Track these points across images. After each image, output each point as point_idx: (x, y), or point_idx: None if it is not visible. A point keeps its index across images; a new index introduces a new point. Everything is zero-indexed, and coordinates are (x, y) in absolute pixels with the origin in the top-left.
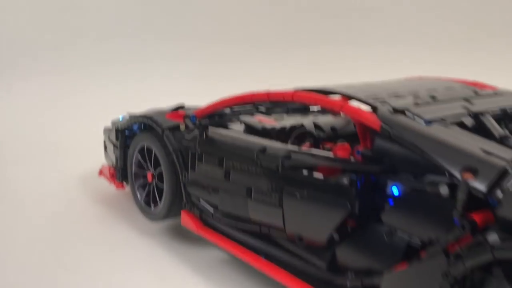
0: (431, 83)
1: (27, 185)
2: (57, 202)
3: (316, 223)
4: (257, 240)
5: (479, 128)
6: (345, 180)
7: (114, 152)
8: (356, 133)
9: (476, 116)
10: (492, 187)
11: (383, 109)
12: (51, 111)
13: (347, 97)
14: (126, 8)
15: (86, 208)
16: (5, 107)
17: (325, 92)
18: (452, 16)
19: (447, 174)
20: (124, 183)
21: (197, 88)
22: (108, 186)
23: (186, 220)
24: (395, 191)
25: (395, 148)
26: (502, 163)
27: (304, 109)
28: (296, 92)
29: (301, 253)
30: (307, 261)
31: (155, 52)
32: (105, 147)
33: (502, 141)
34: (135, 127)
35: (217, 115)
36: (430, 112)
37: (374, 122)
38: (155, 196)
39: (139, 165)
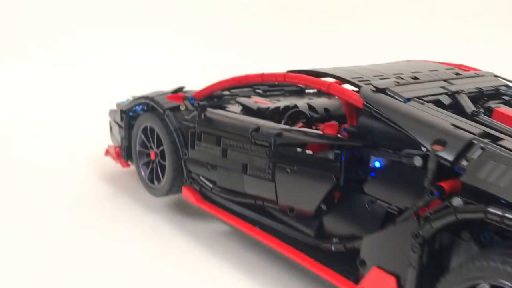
0: (417, 65)
1: (38, 165)
2: (67, 180)
3: (305, 195)
4: (252, 212)
5: (454, 106)
6: (330, 155)
7: (119, 133)
8: None
9: (452, 95)
10: (458, 157)
11: (366, 89)
12: (59, 95)
13: (335, 78)
14: None
15: (94, 186)
16: (15, 91)
17: (315, 74)
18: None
19: (421, 146)
20: (129, 161)
21: (199, 71)
22: (114, 165)
23: (187, 194)
24: (377, 164)
25: (377, 124)
26: (468, 136)
27: (300, 92)
28: (288, 73)
29: (292, 222)
30: (297, 229)
31: (158, 38)
32: (111, 128)
33: (472, 117)
34: (139, 108)
35: (215, 96)
36: (410, 91)
37: (357, 100)
38: (158, 173)
39: (143, 144)
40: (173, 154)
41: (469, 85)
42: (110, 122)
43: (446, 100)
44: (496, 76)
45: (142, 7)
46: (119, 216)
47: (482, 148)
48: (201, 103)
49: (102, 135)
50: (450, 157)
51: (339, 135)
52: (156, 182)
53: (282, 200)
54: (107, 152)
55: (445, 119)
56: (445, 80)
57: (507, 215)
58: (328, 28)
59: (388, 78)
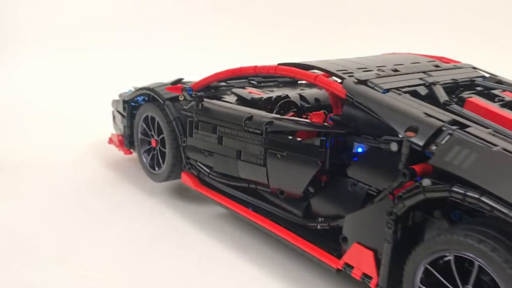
0: (400, 58)
1: (44, 153)
2: (73, 167)
3: (294, 178)
4: (245, 195)
5: (430, 96)
6: (316, 142)
7: (121, 122)
8: None
9: (429, 86)
10: (428, 143)
11: (349, 80)
12: (64, 86)
13: (321, 71)
14: None
15: (98, 172)
16: (21, 82)
17: (303, 66)
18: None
19: (397, 133)
20: (131, 149)
21: (198, 63)
22: (117, 153)
23: (186, 179)
24: (359, 149)
25: (359, 113)
26: (438, 124)
27: (292, 83)
28: (278, 66)
29: (282, 204)
30: (286, 210)
31: (159, 31)
32: (114, 118)
33: (444, 106)
34: (140, 98)
35: (212, 87)
36: (389, 82)
37: (341, 91)
38: (159, 160)
39: (144, 133)
40: (172, 142)
41: (445, 77)
42: (113, 112)
43: (423, 90)
44: (474, 68)
45: (146, 7)
46: (121, 200)
47: (450, 134)
48: (199, 93)
49: (105, 125)
50: (421, 142)
51: (325, 123)
52: (156, 168)
53: (273, 184)
54: (111, 141)
55: (418, 108)
56: (424, 72)
57: (468, 193)
58: (325, 23)
59: (371, 70)
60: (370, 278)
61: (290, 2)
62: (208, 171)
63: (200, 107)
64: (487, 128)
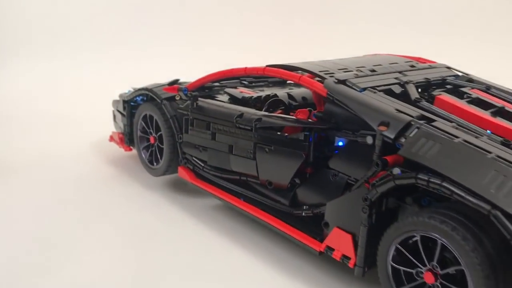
0: (380, 59)
1: (49, 152)
2: (76, 164)
3: (281, 170)
4: (237, 186)
5: (403, 94)
6: (301, 136)
7: (122, 120)
8: None
9: (403, 85)
10: (398, 136)
11: (329, 80)
12: (66, 88)
13: (305, 72)
14: None
15: (100, 168)
16: (24, 84)
17: (289, 68)
18: None
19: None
20: (131, 146)
21: (194, 64)
22: (117, 150)
23: (182, 173)
24: (340, 143)
25: (339, 110)
26: (407, 118)
27: (282, 83)
28: (266, 67)
29: (270, 194)
30: (274, 200)
31: (157, 34)
32: (114, 117)
33: (415, 103)
34: (139, 98)
35: (206, 87)
36: (366, 82)
37: (322, 90)
38: (157, 155)
39: (143, 130)
40: (169, 138)
41: (419, 76)
42: (113, 111)
43: (397, 89)
44: (449, 68)
45: (144, 10)
46: (122, 193)
47: (417, 128)
48: (193, 93)
49: (106, 124)
50: (392, 135)
51: (309, 120)
52: (155, 163)
53: (262, 175)
54: (111, 138)
55: (390, 105)
56: (400, 72)
57: (431, 179)
58: (318, 25)
59: (350, 71)
60: (349, 258)
61: (285, 6)
62: (202, 165)
63: (195, 105)
64: (452, 122)
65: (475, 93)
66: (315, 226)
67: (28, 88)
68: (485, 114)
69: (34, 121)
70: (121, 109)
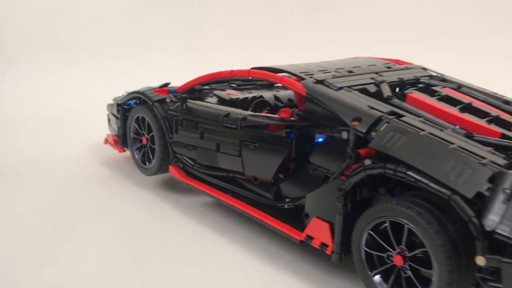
0: (360, 61)
1: (45, 155)
2: (72, 165)
3: (265, 166)
4: (225, 182)
5: (377, 93)
6: (282, 134)
7: (116, 123)
8: None
9: (378, 84)
10: (369, 130)
11: (308, 81)
12: (60, 93)
13: (287, 73)
14: None
15: (96, 169)
16: (21, 91)
17: (272, 70)
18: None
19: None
20: (125, 147)
21: (186, 68)
22: (112, 151)
23: (173, 171)
24: (319, 139)
25: (318, 108)
26: (378, 114)
27: (269, 85)
28: (251, 70)
29: (256, 189)
30: (260, 194)
31: (149, 38)
32: (109, 120)
33: (386, 100)
34: (132, 102)
35: (196, 90)
36: (343, 82)
37: (302, 90)
38: (149, 155)
39: (136, 132)
40: (161, 139)
41: (393, 77)
42: (108, 115)
43: (372, 88)
44: (425, 68)
45: (136, 18)
46: (117, 192)
47: (387, 122)
48: (183, 95)
49: (100, 127)
50: (363, 130)
51: (291, 118)
52: (147, 163)
53: (247, 171)
54: (106, 141)
55: (363, 102)
56: (376, 73)
57: (398, 169)
58: (308, 29)
59: (329, 72)
60: (327, 246)
61: (279, 10)
62: (192, 163)
63: (184, 107)
64: (419, 117)
65: (445, 91)
66: (297, 217)
67: (25, 93)
68: (453, 110)
69: (32, 125)
70: (115, 112)
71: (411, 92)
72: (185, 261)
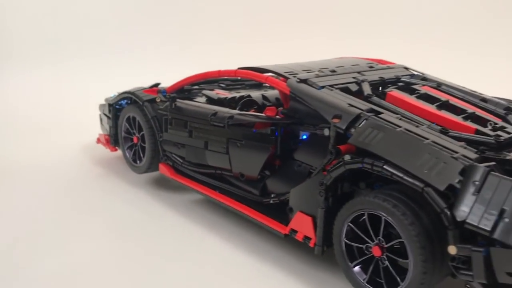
0: (344, 61)
1: (38, 155)
2: (65, 164)
3: (251, 163)
4: (213, 179)
5: (358, 91)
6: (268, 131)
7: (107, 123)
8: None
9: (359, 83)
10: (348, 126)
11: (292, 80)
12: (53, 95)
13: (273, 73)
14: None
15: (88, 168)
16: (14, 92)
17: (258, 70)
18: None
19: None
20: (116, 147)
21: (179, 69)
22: (104, 151)
23: (163, 169)
24: (304, 136)
25: (301, 106)
26: (357, 111)
27: (258, 85)
28: (238, 70)
29: (243, 185)
30: (246, 190)
31: (141, 40)
32: (101, 120)
33: (366, 98)
34: (123, 102)
35: (185, 90)
36: (325, 81)
37: (285, 89)
38: (140, 154)
39: (127, 131)
40: (151, 137)
41: (374, 76)
42: (100, 115)
43: (353, 87)
44: (406, 68)
45: (130, 8)
46: (109, 190)
47: (366, 119)
48: (172, 95)
49: (93, 127)
50: (343, 126)
51: (277, 116)
52: (138, 162)
53: (235, 168)
54: (98, 140)
55: (344, 100)
56: (358, 72)
57: (375, 163)
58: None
59: (313, 71)
60: (310, 239)
61: (270, 12)
62: (181, 161)
63: (173, 106)
64: (397, 114)
65: (425, 89)
66: (282, 212)
67: (17, 94)
68: (430, 107)
69: (24, 125)
70: (106, 112)
71: (391, 91)
72: (176, 256)
